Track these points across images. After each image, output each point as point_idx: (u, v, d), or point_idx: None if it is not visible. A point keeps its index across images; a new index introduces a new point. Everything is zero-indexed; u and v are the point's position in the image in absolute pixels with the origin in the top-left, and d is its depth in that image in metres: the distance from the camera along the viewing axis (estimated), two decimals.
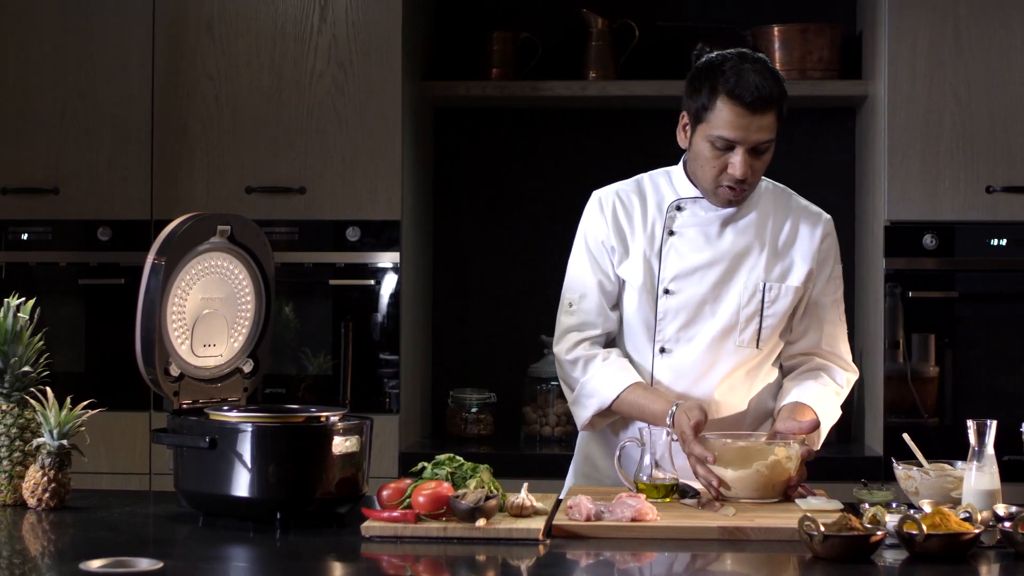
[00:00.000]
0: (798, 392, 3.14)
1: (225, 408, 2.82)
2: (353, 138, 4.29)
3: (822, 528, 2.38)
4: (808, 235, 3.16)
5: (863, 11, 4.60)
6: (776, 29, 4.53)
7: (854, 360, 4.59)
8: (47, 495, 2.86)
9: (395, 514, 2.60)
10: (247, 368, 2.99)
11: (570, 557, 2.51)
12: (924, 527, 2.39)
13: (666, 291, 3.10)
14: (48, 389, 2.92)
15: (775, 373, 3.22)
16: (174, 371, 2.84)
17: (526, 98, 4.60)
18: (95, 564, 2.29)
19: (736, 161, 3.00)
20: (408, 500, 2.65)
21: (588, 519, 2.63)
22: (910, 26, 4.19)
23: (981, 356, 4.24)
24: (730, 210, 3.13)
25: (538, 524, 2.59)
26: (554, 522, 2.63)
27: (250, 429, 2.66)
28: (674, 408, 2.97)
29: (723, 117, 2.98)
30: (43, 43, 4.35)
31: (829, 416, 3.15)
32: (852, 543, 2.37)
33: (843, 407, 4.47)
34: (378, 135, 4.27)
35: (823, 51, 4.50)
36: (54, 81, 4.35)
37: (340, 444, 2.69)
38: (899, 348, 4.28)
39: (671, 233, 3.12)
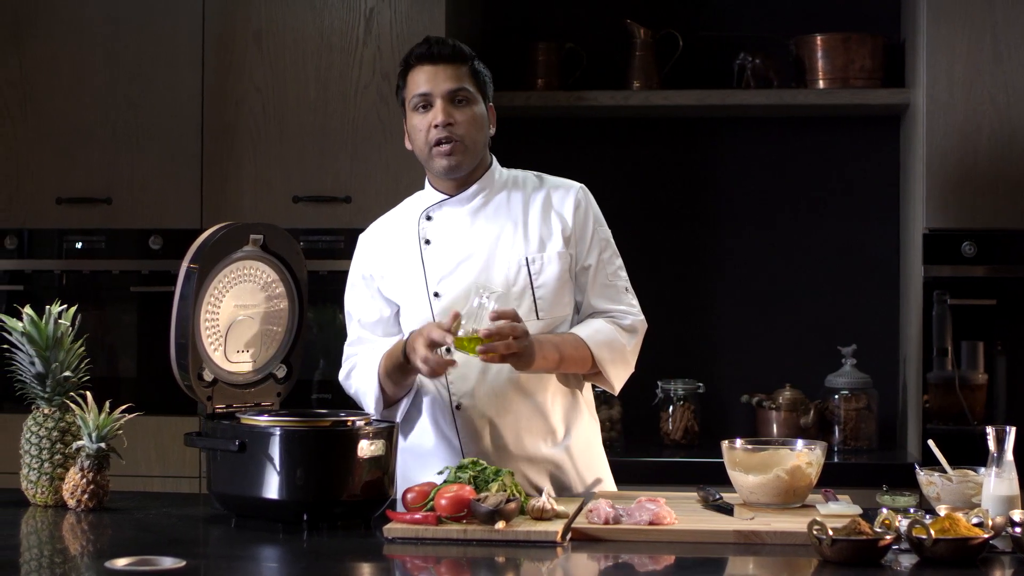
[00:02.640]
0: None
1: (256, 412, 2.90)
2: (398, 148, 4.31)
3: (830, 532, 2.42)
4: (560, 203, 3.22)
5: (906, 20, 4.61)
6: (819, 38, 4.55)
7: (896, 368, 4.64)
8: (86, 496, 2.95)
9: (417, 516, 2.67)
10: (280, 374, 3.06)
11: (587, 559, 2.57)
12: (932, 532, 2.42)
13: (436, 294, 3.14)
14: (88, 393, 3.01)
15: None
16: (207, 376, 2.92)
17: (570, 108, 4.65)
18: (120, 562, 2.37)
19: (430, 111, 3.11)
20: (431, 503, 2.71)
21: (607, 522, 2.68)
22: (948, 34, 4.20)
23: (1020, 363, 4.24)
24: (477, 202, 3.19)
25: (556, 527, 2.65)
26: (573, 525, 2.68)
27: (278, 433, 2.74)
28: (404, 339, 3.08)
29: (415, 79, 3.14)
30: (95, 57, 4.46)
31: (593, 333, 3.15)
32: (860, 547, 2.41)
33: (887, 414, 4.56)
34: None
35: (865, 60, 4.52)
36: (106, 93, 4.46)
37: (366, 448, 2.76)
38: (947, 355, 4.29)
39: (427, 242, 3.19)
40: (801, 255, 4.82)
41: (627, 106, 4.62)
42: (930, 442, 3.08)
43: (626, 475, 3.94)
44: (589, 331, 3.15)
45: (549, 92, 4.67)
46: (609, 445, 4.55)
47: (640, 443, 4.63)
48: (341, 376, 3.26)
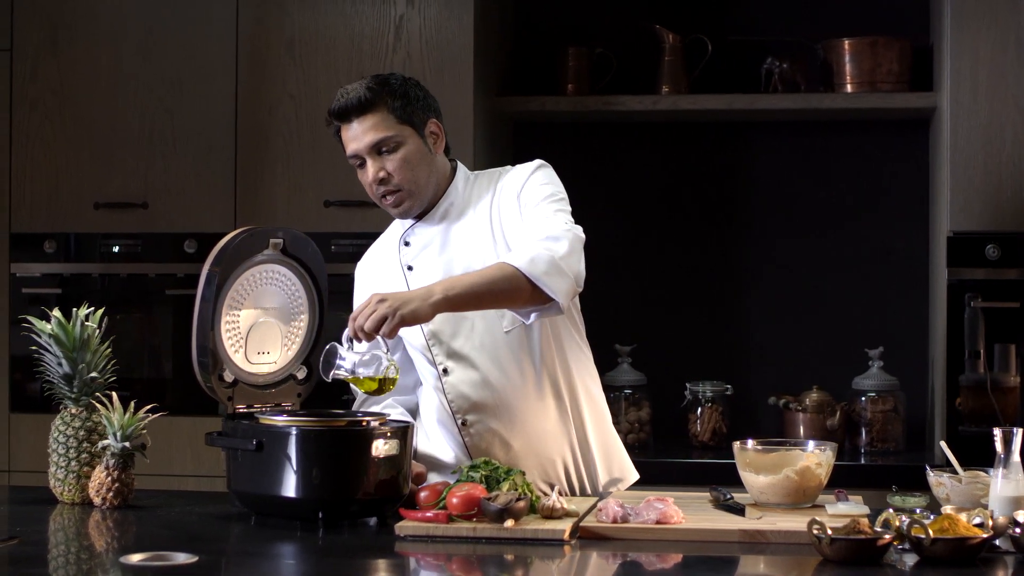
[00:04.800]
0: None
1: (275, 412, 2.97)
2: None
3: (829, 531, 2.46)
4: (510, 188, 3.16)
5: (934, 23, 4.63)
6: (846, 42, 4.57)
7: (926, 371, 4.66)
8: (111, 494, 3.02)
9: (428, 514, 2.73)
10: (301, 375, 3.12)
11: (592, 557, 2.61)
12: (931, 532, 2.46)
13: None
14: (114, 394, 3.08)
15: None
16: (228, 377, 2.98)
17: (599, 112, 4.69)
18: (135, 558, 2.45)
19: (366, 168, 3.13)
20: (443, 501, 2.77)
21: (614, 521, 2.73)
22: (972, 38, 4.22)
23: None
24: (446, 218, 3.19)
25: (564, 525, 2.69)
26: (581, 524, 2.73)
27: (294, 432, 2.80)
28: None
29: (344, 138, 3.14)
30: (132, 65, 4.55)
31: (514, 253, 2.99)
32: (859, 546, 2.44)
33: (917, 416, 4.58)
34: (452, 150, 4.39)
35: (892, 64, 4.54)
36: (143, 100, 4.54)
37: (380, 447, 2.81)
38: (980, 358, 4.30)
39: (410, 268, 3.20)
40: (829, 258, 4.84)
41: (656, 111, 4.67)
42: (942, 443, 3.13)
43: (655, 476, 3.99)
44: (511, 253, 3.01)
45: (579, 97, 4.72)
46: (638, 446, 4.62)
47: (669, 444, 4.68)
48: (354, 408, 3.31)
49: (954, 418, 4.27)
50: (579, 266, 3.01)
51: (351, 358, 2.93)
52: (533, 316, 3.04)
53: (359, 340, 2.88)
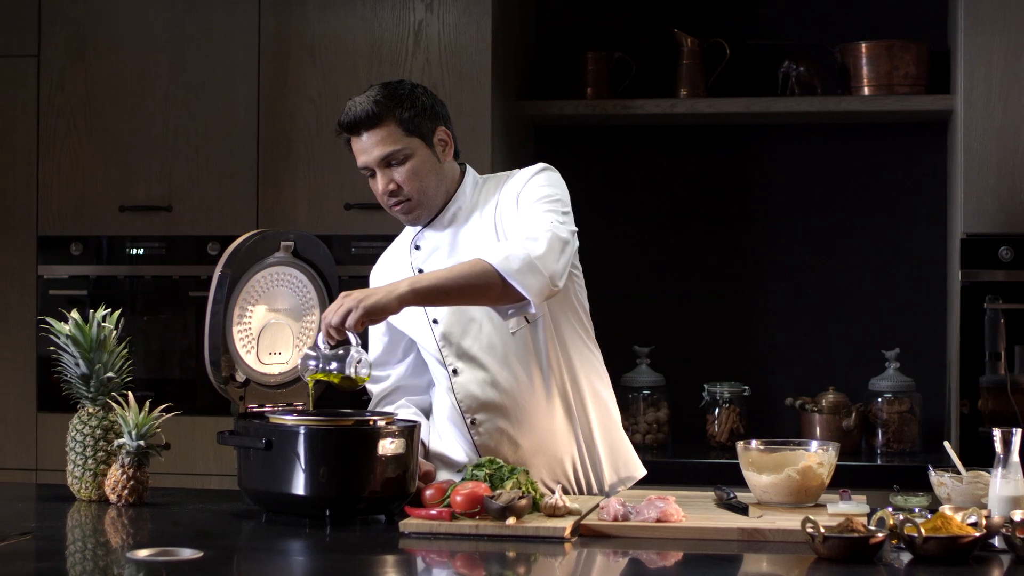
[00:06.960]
0: None
1: (286, 412, 3.02)
2: None
3: (822, 530, 2.49)
4: (511, 192, 3.19)
5: (951, 26, 4.65)
6: (863, 46, 4.60)
7: (944, 372, 4.68)
8: (126, 492, 3.08)
9: (432, 512, 2.78)
10: None
11: (593, 555, 2.65)
12: (923, 530, 2.49)
13: (434, 320, 3.19)
14: (130, 393, 3.15)
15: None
16: (240, 377, 3.04)
17: (618, 116, 4.73)
18: (141, 553, 2.50)
19: (377, 179, 3.17)
20: (447, 499, 2.82)
21: (615, 519, 2.77)
22: (986, 42, 4.24)
23: None
24: (454, 222, 3.23)
25: (566, 523, 2.74)
26: (583, 522, 2.77)
27: (302, 431, 2.85)
28: None
29: (354, 150, 3.18)
30: (157, 71, 4.62)
31: (490, 250, 3.00)
32: (851, 544, 2.48)
33: (935, 417, 4.60)
34: (469, 154, 4.41)
35: (909, 67, 4.56)
36: (167, 105, 4.61)
37: (387, 446, 2.86)
38: (1000, 359, 4.32)
39: (420, 272, 3.22)
40: (846, 260, 4.87)
41: (674, 114, 4.70)
42: (946, 444, 3.16)
43: (673, 476, 4.04)
44: (488, 250, 3.02)
45: (598, 100, 4.75)
46: (656, 446, 4.66)
47: (686, 445, 4.71)
48: (370, 407, 3.37)
49: (970, 419, 4.29)
50: (555, 266, 3.00)
51: (323, 356, 2.98)
52: (511, 313, 3.07)
53: (331, 338, 2.94)
